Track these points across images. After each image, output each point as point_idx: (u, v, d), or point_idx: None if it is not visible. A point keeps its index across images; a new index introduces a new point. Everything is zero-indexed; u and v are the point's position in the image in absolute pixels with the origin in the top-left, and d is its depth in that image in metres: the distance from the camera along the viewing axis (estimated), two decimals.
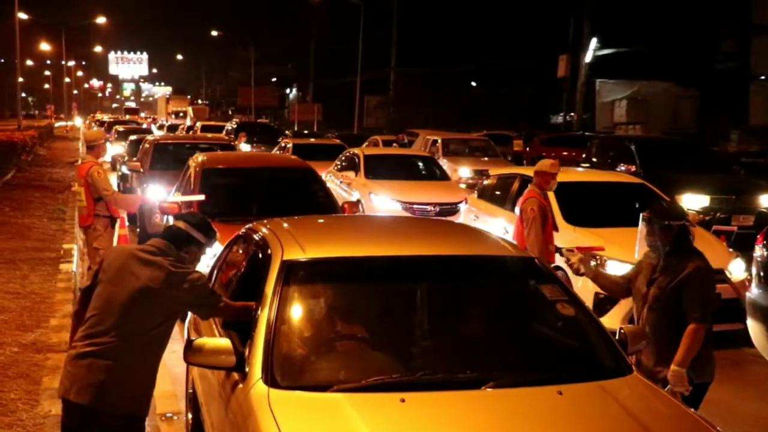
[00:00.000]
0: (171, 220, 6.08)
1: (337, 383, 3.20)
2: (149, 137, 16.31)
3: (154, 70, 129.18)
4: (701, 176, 12.67)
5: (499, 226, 8.89)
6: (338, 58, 51.26)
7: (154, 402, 5.00)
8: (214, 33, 65.21)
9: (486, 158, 19.73)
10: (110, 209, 7.91)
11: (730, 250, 7.93)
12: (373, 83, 45.98)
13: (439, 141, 20.26)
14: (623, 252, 6.83)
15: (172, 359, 5.20)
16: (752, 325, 6.21)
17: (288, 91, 71.78)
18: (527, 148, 25.99)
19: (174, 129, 37.01)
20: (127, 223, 9.77)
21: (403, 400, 3.05)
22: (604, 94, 36.94)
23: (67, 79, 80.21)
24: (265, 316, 3.45)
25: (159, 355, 3.69)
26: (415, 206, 12.41)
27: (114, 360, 3.48)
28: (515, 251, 4.28)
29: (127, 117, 60.58)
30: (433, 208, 12.42)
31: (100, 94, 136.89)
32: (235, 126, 28.27)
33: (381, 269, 3.85)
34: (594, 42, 31.81)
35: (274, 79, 70.08)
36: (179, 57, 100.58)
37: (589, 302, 6.59)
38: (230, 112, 72.81)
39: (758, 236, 6.50)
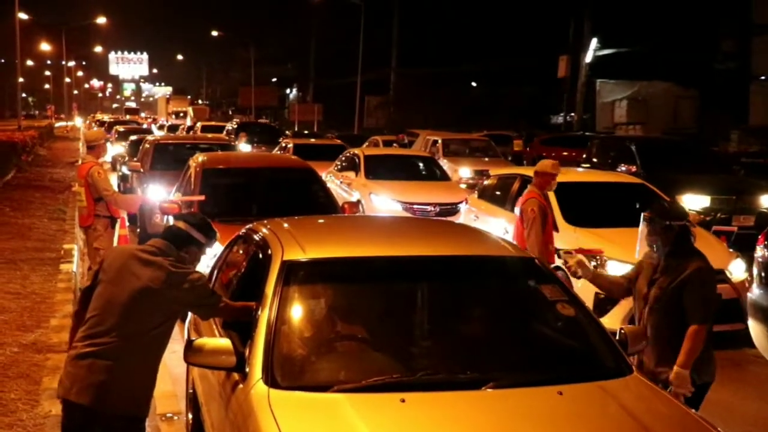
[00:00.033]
0: (171, 221, 6.08)
1: (338, 383, 3.20)
2: (149, 137, 16.33)
3: (155, 71, 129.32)
4: (702, 176, 12.67)
5: (499, 227, 8.89)
6: (338, 59, 51.28)
7: (154, 402, 5.00)
8: (215, 33, 65.20)
9: (486, 158, 19.72)
10: (110, 209, 7.91)
11: (731, 250, 7.93)
12: (373, 83, 45.98)
13: (440, 141, 20.26)
14: (623, 252, 6.83)
15: (173, 359, 5.20)
16: (753, 326, 6.21)
17: (288, 91, 71.80)
18: (527, 149, 25.99)
19: (174, 129, 37.02)
20: (127, 224, 9.77)
21: (403, 401, 3.05)
22: (604, 95, 36.96)
23: (67, 80, 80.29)
24: (265, 317, 3.45)
25: (159, 355, 3.69)
26: (415, 206, 12.41)
27: (114, 360, 3.48)
28: (515, 251, 4.28)
29: (128, 117, 60.55)
30: (433, 209, 12.42)
31: (100, 95, 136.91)
32: (235, 126, 28.30)
33: (381, 269, 3.85)
34: (594, 42, 31.83)
35: (274, 80, 70.10)
36: (179, 57, 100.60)
37: (589, 302, 6.59)
38: (230, 113, 72.83)
39: (759, 237, 6.49)
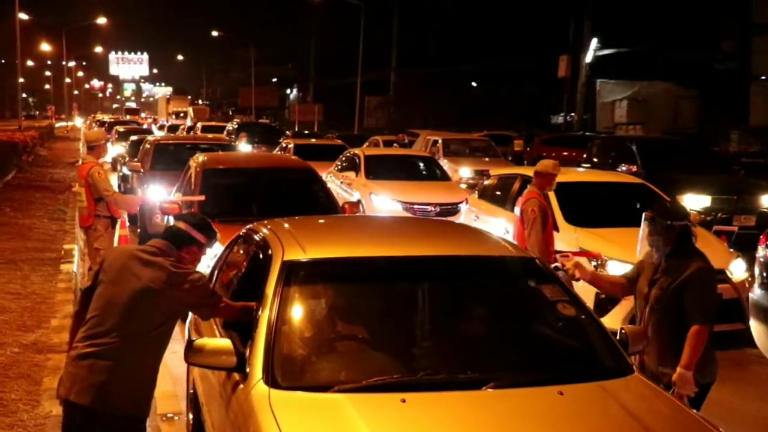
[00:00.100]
0: (171, 221, 6.09)
1: (338, 383, 3.20)
2: (150, 138, 16.32)
3: (155, 71, 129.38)
4: (702, 176, 12.67)
5: (499, 227, 8.88)
6: (339, 59, 51.30)
7: (154, 402, 5.00)
8: (215, 33, 65.23)
9: (487, 158, 19.73)
10: (111, 210, 7.91)
11: (731, 250, 7.93)
12: (373, 83, 46.01)
13: (440, 141, 20.26)
14: (624, 252, 6.83)
15: (173, 359, 5.20)
16: (755, 326, 6.20)
17: (288, 91, 71.83)
18: (528, 149, 26.00)
19: (174, 129, 37.03)
20: (127, 224, 9.77)
21: (403, 401, 3.05)
22: (604, 95, 36.98)
23: (67, 80, 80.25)
24: (265, 317, 3.45)
25: (160, 355, 3.69)
26: (415, 206, 12.41)
27: (115, 361, 3.48)
28: (516, 251, 4.28)
29: (128, 117, 60.51)
30: (433, 209, 12.42)
31: (100, 95, 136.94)
32: (235, 126, 28.31)
33: (382, 269, 3.85)
34: (594, 42, 31.84)
35: (274, 80, 70.14)
36: (180, 57, 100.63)
37: (590, 302, 6.59)
38: (231, 113, 72.84)
39: (761, 237, 6.49)
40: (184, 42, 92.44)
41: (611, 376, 3.43)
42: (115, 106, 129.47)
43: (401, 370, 3.38)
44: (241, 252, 4.75)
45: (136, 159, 14.98)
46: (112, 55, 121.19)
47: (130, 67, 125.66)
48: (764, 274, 6.19)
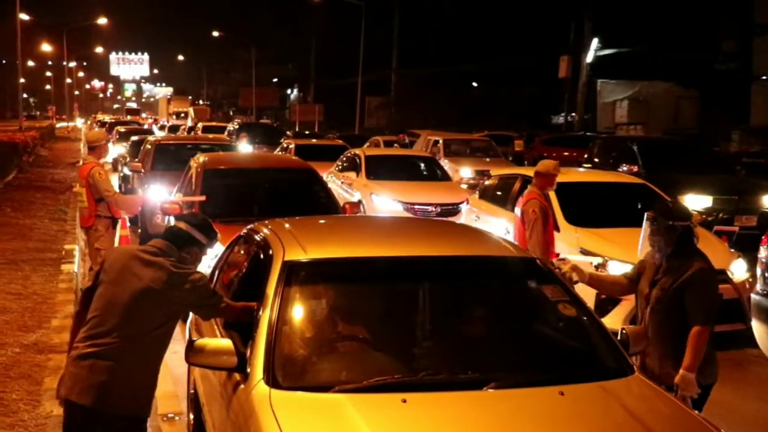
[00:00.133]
0: (172, 221, 6.08)
1: (339, 384, 3.20)
2: (150, 138, 16.34)
3: (155, 71, 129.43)
4: (704, 177, 12.67)
5: (500, 227, 8.88)
6: (339, 59, 51.33)
7: (155, 402, 4.99)
8: (215, 33, 65.27)
9: (487, 159, 19.74)
10: (112, 210, 7.91)
11: (732, 250, 7.92)
12: (374, 84, 46.05)
13: (441, 141, 20.27)
14: (625, 253, 6.82)
15: (174, 360, 5.19)
16: (757, 327, 6.19)
17: (289, 91, 71.87)
18: (528, 149, 26.00)
19: (175, 130, 37.05)
20: (128, 224, 9.77)
21: (404, 401, 3.05)
22: (605, 95, 36.98)
23: (68, 80, 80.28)
24: (266, 317, 3.45)
25: (160, 355, 3.69)
26: (416, 207, 12.41)
27: (116, 361, 3.48)
28: (517, 252, 4.27)
29: (129, 118, 60.51)
30: (434, 209, 12.42)
31: (101, 95, 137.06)
32: (236, 127, 28.31)
33: (382, 270, 3.85)
34: (595, 42, 31.84)
35: (275, 80, 70.17)
36: (180, 58, 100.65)
37: (590, 303, 6.58)
38: (231, 113, 72.88)
39: (763, 237, 6.48)
40: (184, 42, 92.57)
41: (612, 376, 3.43)
42: (115, 106, 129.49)
43: (402, 370, 3.38)
44: (242, 252, 4.75)
45: (136, 159, 14.98)
46: (113, 56, 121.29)
47: (130, 67, 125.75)
48: (766, 275, 6.18)
